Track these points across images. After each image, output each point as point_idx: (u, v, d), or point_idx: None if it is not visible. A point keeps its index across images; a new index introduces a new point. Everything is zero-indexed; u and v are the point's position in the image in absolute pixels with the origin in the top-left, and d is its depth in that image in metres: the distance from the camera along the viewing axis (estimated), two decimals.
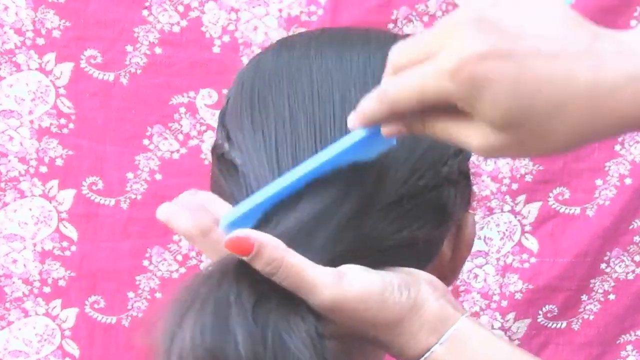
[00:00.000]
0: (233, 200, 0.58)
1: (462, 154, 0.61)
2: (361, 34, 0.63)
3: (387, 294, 0.52)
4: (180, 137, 1.24)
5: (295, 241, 0.52)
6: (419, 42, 0.50)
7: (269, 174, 0.57)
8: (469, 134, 0.49)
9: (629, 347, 1.29)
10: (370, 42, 0.62)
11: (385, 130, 0.53)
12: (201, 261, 1.26)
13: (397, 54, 0.51)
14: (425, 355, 0.53)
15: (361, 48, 0.61)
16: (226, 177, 0.60)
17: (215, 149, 0.63)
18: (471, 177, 0.64)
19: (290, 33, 1.20)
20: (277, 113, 0.58)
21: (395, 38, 0.60)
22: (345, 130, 0.55)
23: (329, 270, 0.52)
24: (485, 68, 0.46)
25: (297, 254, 0.52)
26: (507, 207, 1.26)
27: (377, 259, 0.55)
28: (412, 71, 0.49)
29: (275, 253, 0.51)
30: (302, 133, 0.57)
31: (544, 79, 0.46)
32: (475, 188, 1.24)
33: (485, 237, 1.27)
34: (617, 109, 0.46)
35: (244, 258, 0.51)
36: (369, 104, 0.51)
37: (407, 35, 0.59)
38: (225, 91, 1.22)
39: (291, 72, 0.60)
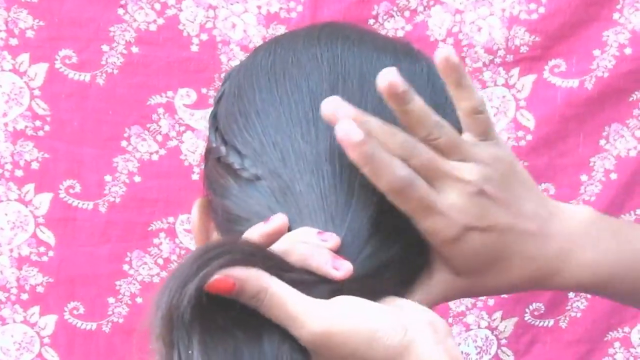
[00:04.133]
0: (236, 198, 0.57)
1: None
2: (359, 32, 0.63)
3: (379, 334, 0.50)
4: (159, 138, 1.22)
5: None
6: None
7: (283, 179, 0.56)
8: (435, 225, 0.57)
9: (617, 344, 1.29)
10: (366, 41, 0.62)
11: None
12: None
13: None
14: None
15: (354, 45, 0.61)
16: (226, 178, 0.59)
17: (209, 152, 0.61)
18: None
19: (270, 30, 1.19)
20: (275, 113, 0.58)
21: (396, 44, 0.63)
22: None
23: (320, 302, 0.50)
24: (475, 235, 0.56)
25: (283, 283, 0.50)
26: None
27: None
28: (423, 186, 0.55)
29: (258, 283, 0.49)
30: (302, 133, 0.57)
31: (511, 252, 0.59)
32: None
33: None
34: (549, 281, 0.61)
35: (230, 296, 0.49)
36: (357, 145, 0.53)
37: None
38: (204, 90, 1.22)
39: (288, 70, 0.59)
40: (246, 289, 0.49)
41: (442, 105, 0.60)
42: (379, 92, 0.55)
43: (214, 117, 0.62)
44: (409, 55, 0.62)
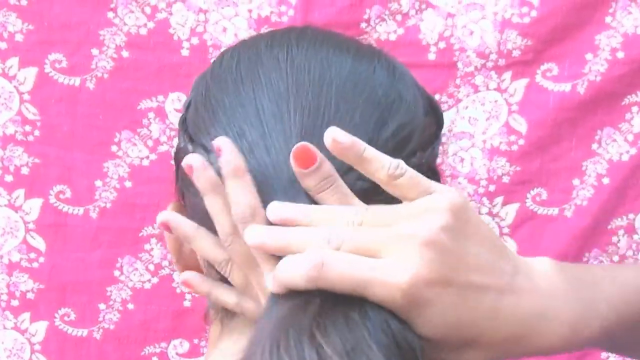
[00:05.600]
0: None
1: (430, 149, 0.62)
2: (320, 34, 0.64)
3: None
4: (150, 142, 1.22)
5: None
6: (370, 235, 0.53)
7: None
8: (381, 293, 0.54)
9: None
10: (334, 43, 0.63)
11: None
12: (174, 270, 1.24)
13: (349, 231, 0.54)
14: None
15: (314, 46, 0.62)
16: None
17: (178, 153, 0.63)
18: (443, 179, 0.64)
19: None
20: (241, 110, 0.59)
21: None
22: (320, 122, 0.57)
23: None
24: (431, 293, 0.52)
25: None
26: (484, 209, 1.25)
27: None
28: (360, 262, 0.52)
29: (333, 171, 0.54)
30: (270, 126, 0.58)
31: (475, 312, 0.54)
32: None
33: None
34: (529, 345, 0.56)
35: (302, 171, 0.53)
36: (298, 269, 0.52)
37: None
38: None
39: (251, 70, 0.61)
40: (322, 168, 0.53)
41: (411, 105, 0.61)
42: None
43: (184, 122, 0.64)
44: (369, 55, 0.63)
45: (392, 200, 0.57)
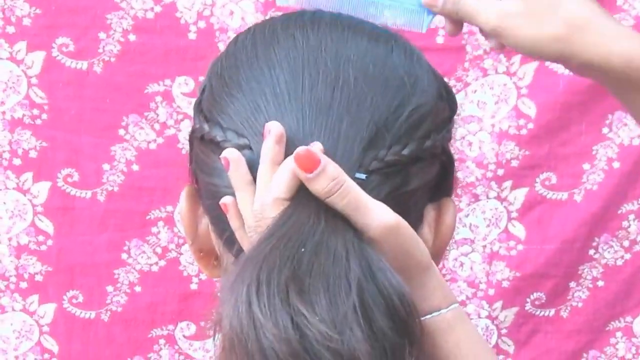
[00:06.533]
0: (223, 174, 0.58)
1: (444, 130, 0.62)
2: (335, 15, 0.64)
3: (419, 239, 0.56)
4: (157, 126, 1.22)
5: None
6: None
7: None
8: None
9: (619, 334, 1.28)
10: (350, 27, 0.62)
11: None
12: (181, 253, 1.25)
13: None
14: (433, 314, 0.56)
15: (329, 26, 0.62)
16: (210, 155, 0.59)
17: (193, 133, 0.62)
18: (455, 163, 0.64)
19: (268, 17, 1.18)
20: (258, 87, 0.59)
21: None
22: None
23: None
24: None
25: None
26: (492, 194, 1.25)
27: None
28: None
29: (338, 170, 0.53)
30: (285, 100, 0.58)
31: None
32: (459, 174, 1.23)
33: (471, 224, 1.26)
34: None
35: (307, 176, 0.53)
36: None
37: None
38: (202, 78, 1.21)
39: (267, 49, 0.60)
40: (328, 170, 0.53)
41: (427, 87, 0.61)
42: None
43: (199, 104, 0.63)
44: (386, 36, 0.63)
45: (408, 179, 0.58)
